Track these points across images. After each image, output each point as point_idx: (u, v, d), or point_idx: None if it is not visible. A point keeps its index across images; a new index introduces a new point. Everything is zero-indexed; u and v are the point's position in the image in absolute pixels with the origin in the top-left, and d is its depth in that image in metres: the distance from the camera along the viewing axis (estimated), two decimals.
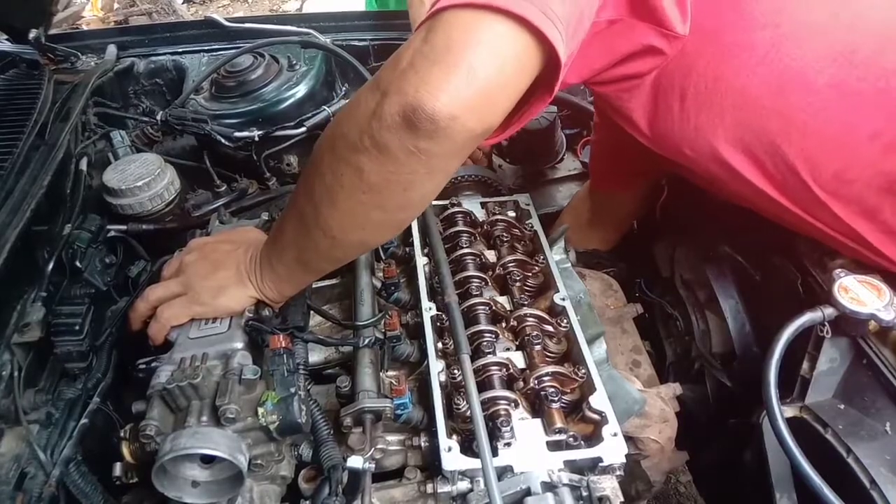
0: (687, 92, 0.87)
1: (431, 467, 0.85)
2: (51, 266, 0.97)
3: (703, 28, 0.83)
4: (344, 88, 1.53)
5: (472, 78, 0.63)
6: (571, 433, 0.83)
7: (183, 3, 5.40)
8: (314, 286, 1.06)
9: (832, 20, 0.83)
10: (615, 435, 0.82)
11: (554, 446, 0.82)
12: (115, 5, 5.10)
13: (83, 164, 1.16)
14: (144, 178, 1.14)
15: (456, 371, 0.86)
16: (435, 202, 1.19)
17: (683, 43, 0.84)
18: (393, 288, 1.07)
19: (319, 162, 0.76)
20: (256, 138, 1.33)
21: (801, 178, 0.85)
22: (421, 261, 1.08)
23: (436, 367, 0.89)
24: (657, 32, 0.83)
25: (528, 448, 0.82)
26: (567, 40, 0.67)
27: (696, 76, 0.86)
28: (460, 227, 1.14)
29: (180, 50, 1.62)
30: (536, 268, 1.08)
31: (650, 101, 0.92)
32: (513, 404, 0.85)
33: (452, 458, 0.79)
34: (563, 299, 1.00)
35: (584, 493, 0.79)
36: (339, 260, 0.89)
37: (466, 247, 1.10)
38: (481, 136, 0.68)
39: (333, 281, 1.10)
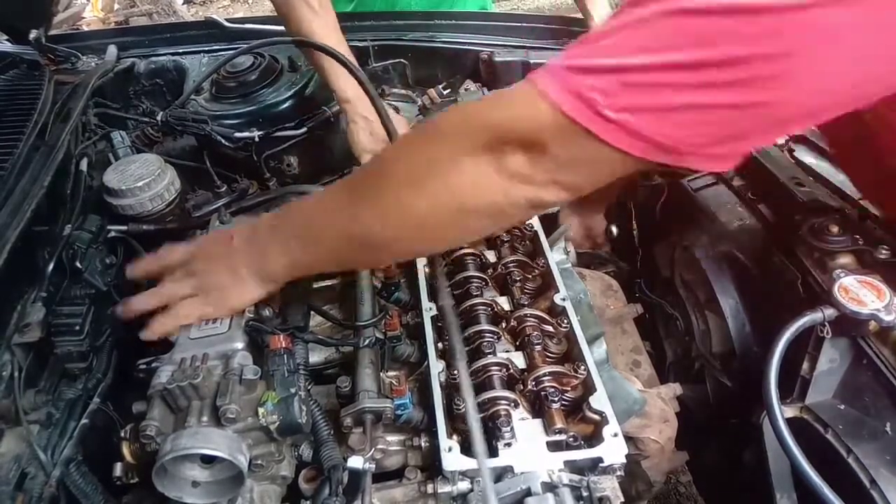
0: None
1: (432, 467, 0.85)
2: (51, 266, 0.97)
3: None
4: None
5: (591, 186, 0.73)
6: (572, 433, 0.83)
7: (183, 4, 5.41)
8: (314, 286, 1.06)
9: None
10: (615, 435, 0.82)
11: (554, 446, 0.82)
12: (116, 6, 5.11)
13: (83, 165, 1.15)
14: (145, 179, 1.14)
15: (456, 371, 0.86)
16: None
17: None
18: (393, 288, 1.07)
19: (427, 215, 0.78)
20: (257, 139, 1.33)
21: None
22: (421, 261, 1.08)
23: (436, 367, 0.89)
24: None
25: (529, 448, 0.82)
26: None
27: None
28: None
29: (181, 50, 1.62)
30: (536, 270, 1.08)
31: None
32: (513, 404, 0.85)
33: (453, 458, 0.79)
34: (564, 300, 1.00)
35: (585, 494, 0.79)
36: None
37: (466, 247, 1.10)
38: None
39: (333, 281, 1.09)
